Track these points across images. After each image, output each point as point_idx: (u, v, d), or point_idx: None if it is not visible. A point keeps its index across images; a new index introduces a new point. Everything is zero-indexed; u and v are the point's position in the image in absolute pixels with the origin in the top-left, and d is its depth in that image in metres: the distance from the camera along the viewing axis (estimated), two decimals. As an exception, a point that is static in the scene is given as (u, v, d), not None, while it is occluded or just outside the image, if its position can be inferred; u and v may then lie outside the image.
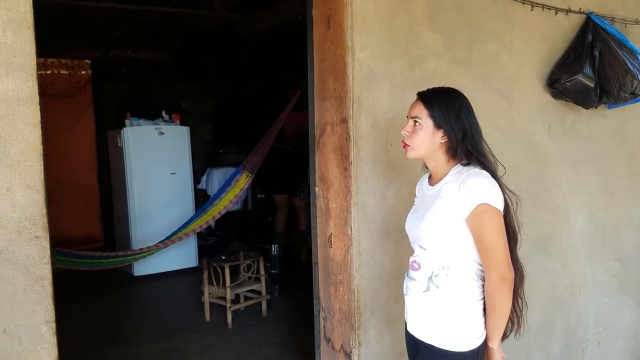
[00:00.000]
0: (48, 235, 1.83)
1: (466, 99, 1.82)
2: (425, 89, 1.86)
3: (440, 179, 1.81)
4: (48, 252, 1.82)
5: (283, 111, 5.22)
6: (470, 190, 1.69)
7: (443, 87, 1.87)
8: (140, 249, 5.07)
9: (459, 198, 1.70)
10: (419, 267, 1.85)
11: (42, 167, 1.82)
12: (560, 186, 3.02)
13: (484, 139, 1.82)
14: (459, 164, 1.79)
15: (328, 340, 2.73)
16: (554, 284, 3.08)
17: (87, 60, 6.73)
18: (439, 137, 1.78)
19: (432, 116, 1.77)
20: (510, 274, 1.70)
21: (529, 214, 2.88)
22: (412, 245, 1.94)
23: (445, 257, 1.78)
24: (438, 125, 1.77)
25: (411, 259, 1.92)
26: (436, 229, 1.77)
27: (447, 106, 1.78)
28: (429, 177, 1.93)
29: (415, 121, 1.79)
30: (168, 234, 5.27)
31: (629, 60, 2.80)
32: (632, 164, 3.30)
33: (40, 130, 1.81)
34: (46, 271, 1.81)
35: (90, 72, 6.76)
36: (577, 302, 3.18)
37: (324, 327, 2.76)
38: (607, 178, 3.22)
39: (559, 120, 2.98)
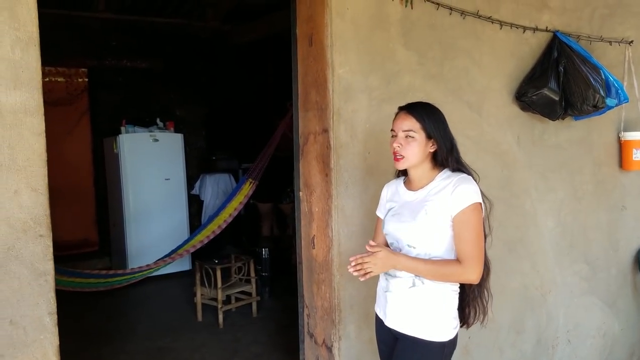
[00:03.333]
0: (51, 234, 1.95)
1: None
2: (405, 103, 1.99)
3: (425, 184, 1.95)
4: (51, 249, 1.94)
5: (282, 121, 5.31)
6: (464, 191, 1.85)
7: (424, 102, 2.00)
8: (140, 267, 4.91)
9: (453, 198, 1.85)
10: None
11: (45, 172, 1.94)
12: (529, 192, 3.14)
13: None
14: (446, 170, 1.94)
15: (311, 335, 2.87)
16: (524, 284, 3.20)
17: (83, 69, 6.85)
18: (429, 146, 1.92)
19: (424, 128, 1.91)
20: (475, 276, 1.85)
21: (499, 218, 3.02)
22: (392, 245, 2.03)
23: (430, 254, 1.90)
24: (429, 136, 1.91)
25: None
26: (428, 228, 1.89)
27: (435, 119, 1.93)
28: (404, 183, 2.06)
29: (407, 134, 1.92)
30: (164, 239, 5.37)
31: (591, 75, 2.94)
32: (598, 171, 3.41)
33: (44, 138, 1.93)
34: (49, 267, 1.94)
35: (86, 80, 6.86)
36: (547, 301, 3.29)
37: (308, 323, 2.90)
38: (575, 185, 3.33)
39: (527, 130, 3.11)
